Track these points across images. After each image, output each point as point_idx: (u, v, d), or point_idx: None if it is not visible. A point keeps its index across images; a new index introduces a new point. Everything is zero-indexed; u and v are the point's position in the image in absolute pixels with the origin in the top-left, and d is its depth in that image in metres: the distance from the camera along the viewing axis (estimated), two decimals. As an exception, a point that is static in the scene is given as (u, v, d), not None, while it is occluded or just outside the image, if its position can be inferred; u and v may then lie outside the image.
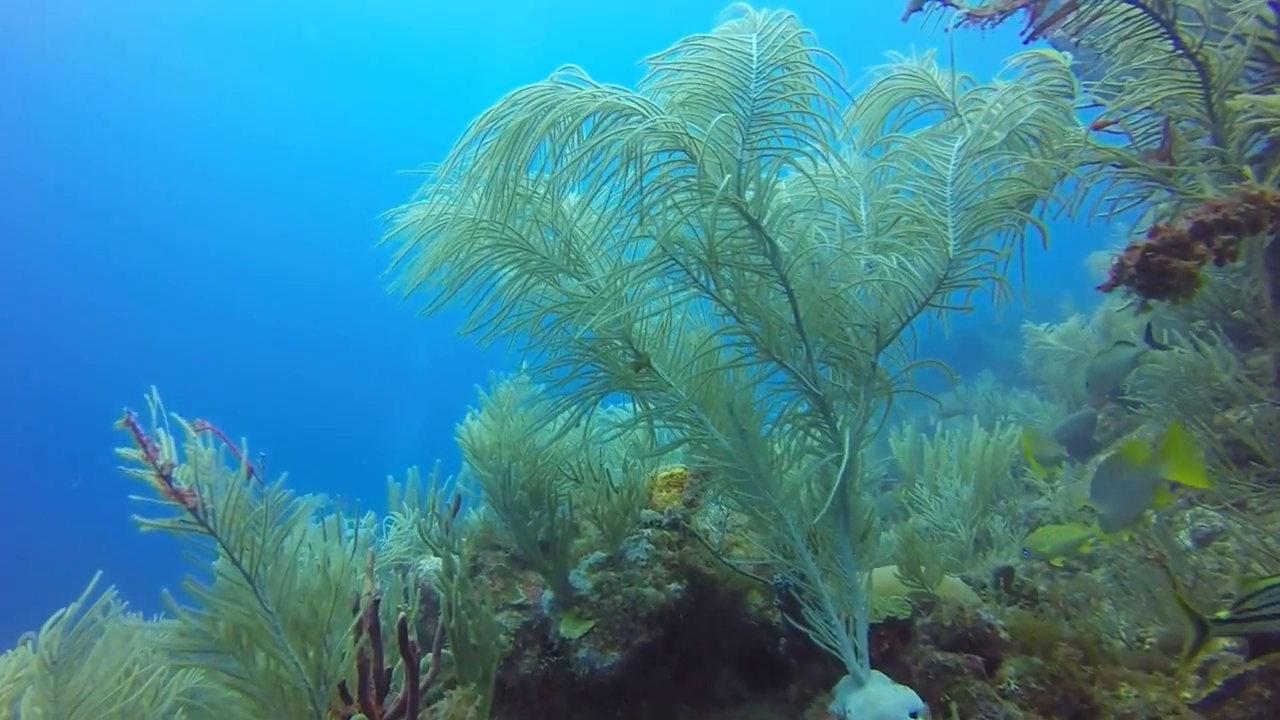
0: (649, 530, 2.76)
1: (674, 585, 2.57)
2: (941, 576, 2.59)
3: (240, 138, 24.36)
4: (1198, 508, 4.19)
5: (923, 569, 2.62)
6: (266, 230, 26.27)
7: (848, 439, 1.93)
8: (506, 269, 2.24)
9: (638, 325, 2.25)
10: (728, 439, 2.13)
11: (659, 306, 2.18)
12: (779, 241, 1.98)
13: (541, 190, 2.09)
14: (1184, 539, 4.03)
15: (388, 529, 3.80)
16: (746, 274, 2.05)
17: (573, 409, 2.32)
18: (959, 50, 2.45)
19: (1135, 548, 3.78)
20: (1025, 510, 4.78)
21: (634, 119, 1.81)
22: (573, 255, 2.25)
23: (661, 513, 2.86)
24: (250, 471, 1.69)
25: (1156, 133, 2.48)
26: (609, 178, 1.83)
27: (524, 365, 2.30)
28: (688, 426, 2.21)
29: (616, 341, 2.26)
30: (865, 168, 2.23)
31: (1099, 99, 2.39)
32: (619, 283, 2.05)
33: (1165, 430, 2.68)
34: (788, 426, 2.11)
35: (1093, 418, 5.17)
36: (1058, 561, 4.18)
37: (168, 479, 1.54)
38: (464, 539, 2.66)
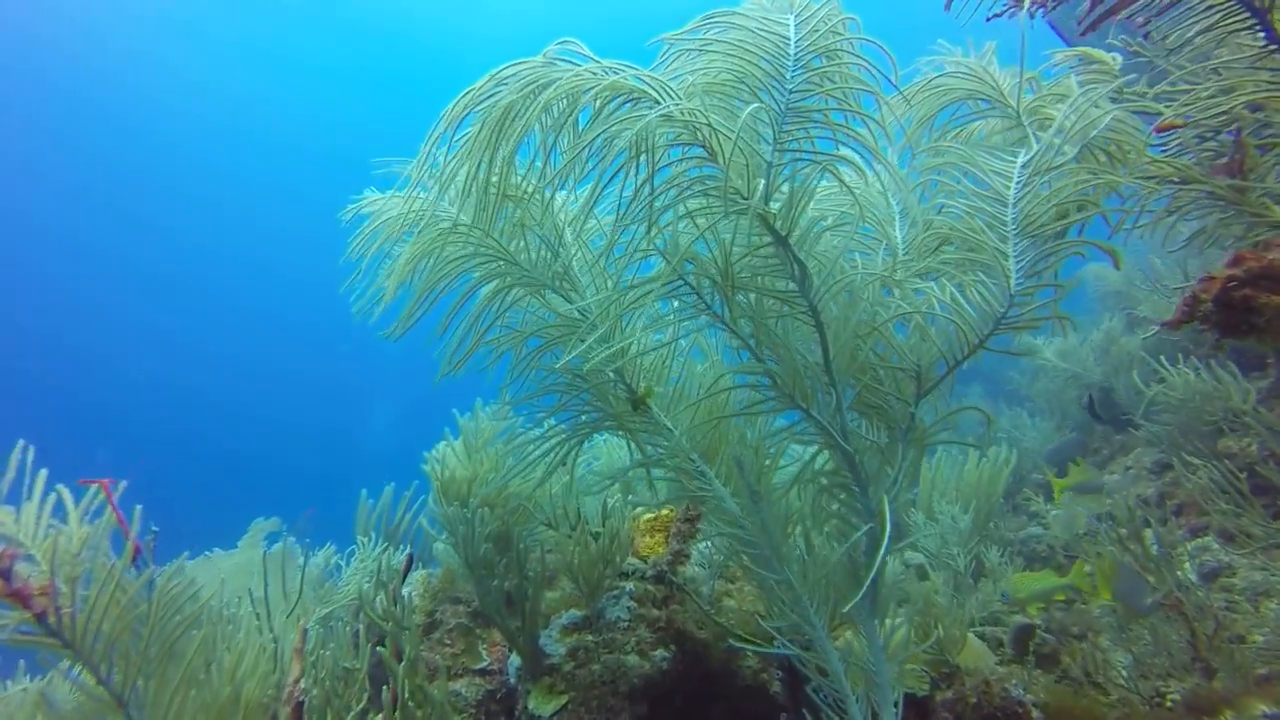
0: (631, 584, 2.41)
1: (660, 653, 2.23)
2: (964, 641, 2.30)
3: (232, 133, 23.44)
4: (1203, 539, 3.99)
5: (940, 632, 2.32)
6: (244, 217, 25.22)
7: (887, 508, 1.60)
8: (485, 283, 1.87)
9: (634, 357, 1.89)
10: (736, 501, 1.79)
11: (660, 337, 1.83)
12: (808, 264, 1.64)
13: (528, 188, 1.73)
14: (1188, 573, 3.81)
15: (353, 556, 3.37)
16: (767, 301, 1.70)
17: (555, 448, 1.95)
18: (992, 46, 2.13)
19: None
20: (1019, 538, 4.55)
21: (644, 105, 1.44)
22: (560, 269, 1.87)
23: (645, 563, 2.50)
24: (137, 553, 1.29)
25: (1179, 144, 2.20)
26: (612, 177, 1.46)
27: (506, 394, 1.93)
28: (687, 479, 1.86)
29: (609, 373, 1.90)
30: (903, 180, 1.89)
31: (1158, 106, 2.09)
32: (615, 307, 1.69)
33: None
34: (809, 487, 1.77)
35: (1084, 442, 4.98)
36: (1034, 609, 4.04)
37: (5, 575, 1.14)
38: (414, 606, 2.28)
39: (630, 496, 2.97)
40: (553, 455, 2.00)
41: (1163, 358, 3.68)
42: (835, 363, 1.67)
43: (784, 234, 1.60)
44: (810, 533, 1.74)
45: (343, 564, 3.35)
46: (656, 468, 1.91)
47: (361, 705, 2.69)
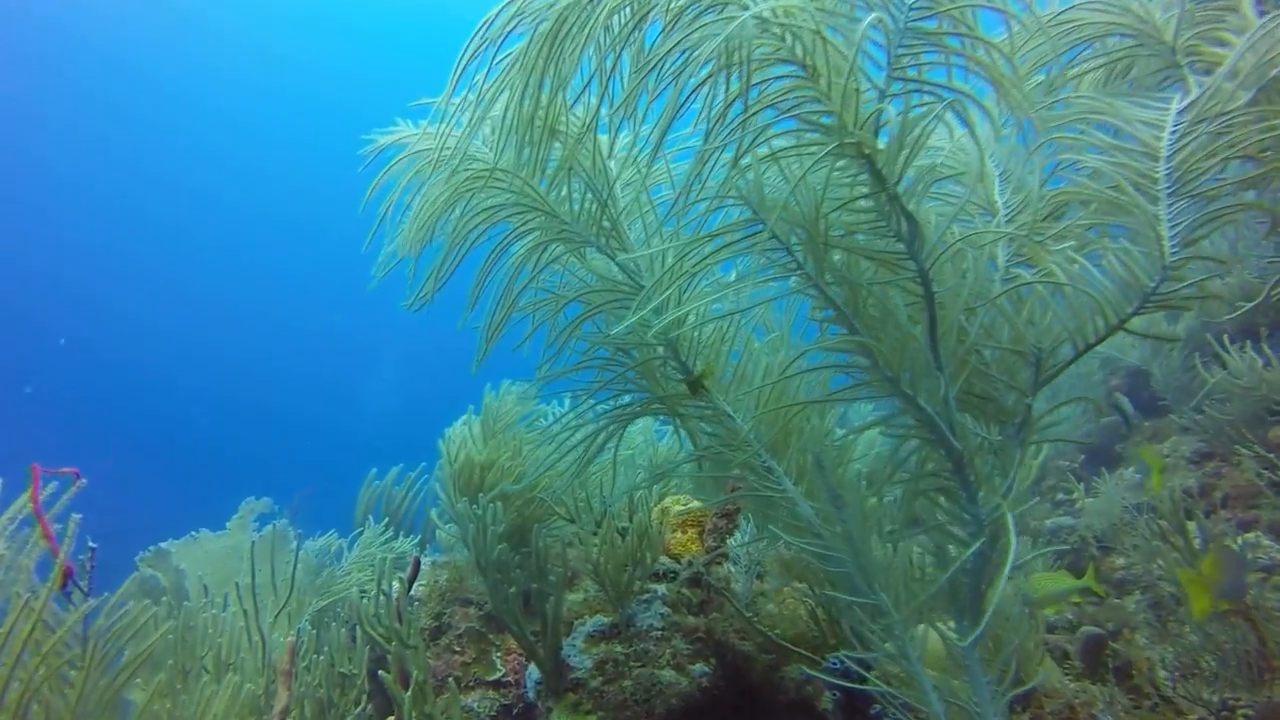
0: (663, 587, 2.13)
1: (699, 667, 1.96)
2: (1042, 660, 2.04)
3: (253, 85, 22.32)
4: (1253, 534, 3.77)
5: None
6: (244, 169, 24.04)
7: (1010, 522, 1.32)
8: (520, 237, 1.58)
9: (691, 329, 1.59)
10: (812, 505, 1.50)
11: (720, 310, 1.53)
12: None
13: (577, 125, 1.43)
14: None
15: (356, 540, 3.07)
16: (862, 264, 1.40)
17: (593, 435, 1.67)
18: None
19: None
20: (1048, 528, 4.32)
21: (730, 9, 1.13)
22: (607, 224, 1.57)
23: (678, 562, 2.23)
24: (68, 577, 0.98)
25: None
26: (691, 94, 1.16)
27: (543, 369, 1.65)
28: (750, 476, 1.57)
29: (658, 348, 1.60)
30: (1041, 124, 1.58)
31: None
32: (679, 266, 1.38)
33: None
34: (900, 491, 1.49)
35: (1118, 426, 4.74)
36: (1052, 610, 3.83)
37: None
38: (421, 601, 1.99)
39: (656, 487, 2.69)
40: (589, 442, 1.71)
41: (1226, 337, 3.42)
42: (944, 341, 1.37)
43: (893, 181, 1.29)
44: (905, 546, 1.46)
45: (345, 548, 3.05)
46: (714, 462, 1.62)
47: (361, 708, 2.42)
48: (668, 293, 1.41)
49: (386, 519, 3.81)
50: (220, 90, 22.16)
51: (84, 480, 1.20)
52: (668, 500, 2.50)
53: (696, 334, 1.59)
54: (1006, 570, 1.27)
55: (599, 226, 1.65)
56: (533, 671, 2.02)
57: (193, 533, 3.04)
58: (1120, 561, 4.13)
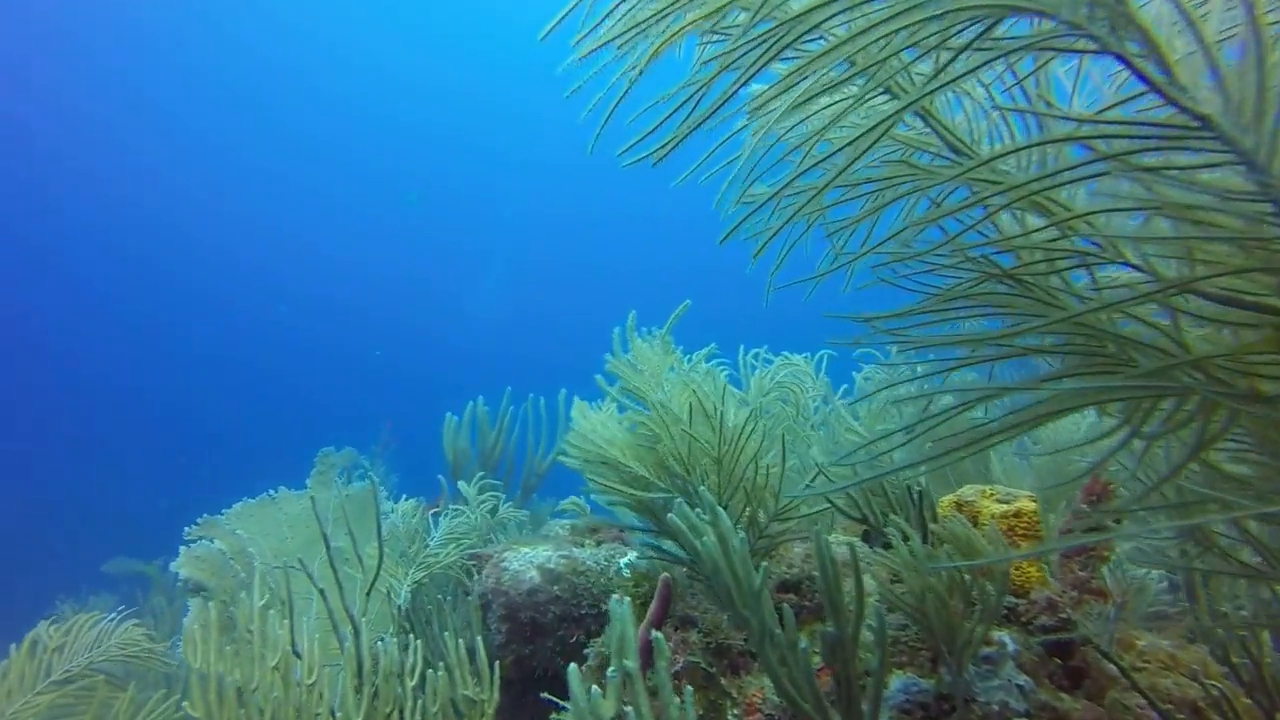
0: (1009, 636, 1.35)
1: (1099, 787, 1.19)
2: None
3: None
4: None
5: None
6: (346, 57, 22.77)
7: None
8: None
9: None
10: None
11: None
12: None
13: None
14: None
15: (449, 508, 2.44)
16: None
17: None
18: None
19: None
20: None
21: None
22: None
23: (1023, 599, 1.43)
24: None
25: None
26: None
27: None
28: None
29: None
30: None
31: None
32: None
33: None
34: None
35: None
36: None
37: None
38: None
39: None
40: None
41: None
42: None
43: None
44: None
45: (432, 524, 2.42)
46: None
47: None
48: None
49: (480, 466, 3.19)
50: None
51: None
52: (965, 490, 1.69)
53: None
54: None
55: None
56: (807, 755, 1.30)
57: (269, 491, 2.48)
58: None
